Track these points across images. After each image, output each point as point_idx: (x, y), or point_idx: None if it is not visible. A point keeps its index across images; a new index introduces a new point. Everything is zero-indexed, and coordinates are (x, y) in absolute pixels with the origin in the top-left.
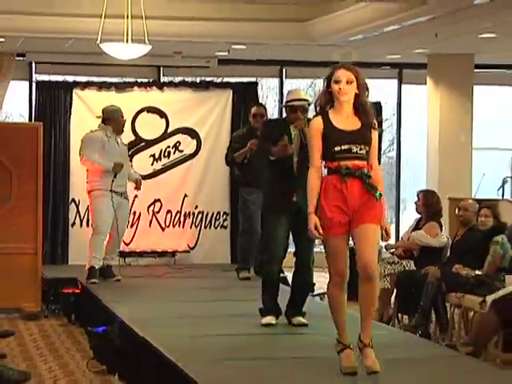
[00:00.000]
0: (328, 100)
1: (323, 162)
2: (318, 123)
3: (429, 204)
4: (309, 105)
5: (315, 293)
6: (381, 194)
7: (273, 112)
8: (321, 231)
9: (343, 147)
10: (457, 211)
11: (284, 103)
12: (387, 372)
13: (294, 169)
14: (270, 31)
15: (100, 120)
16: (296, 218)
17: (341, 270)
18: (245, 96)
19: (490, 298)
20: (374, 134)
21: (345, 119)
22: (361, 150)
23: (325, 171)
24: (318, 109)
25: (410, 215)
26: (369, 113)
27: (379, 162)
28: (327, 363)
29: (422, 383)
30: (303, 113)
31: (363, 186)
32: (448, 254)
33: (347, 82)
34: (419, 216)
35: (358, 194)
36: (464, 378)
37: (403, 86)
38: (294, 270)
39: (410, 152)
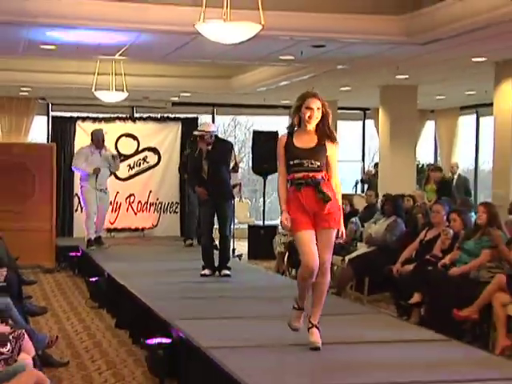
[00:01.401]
0: (297, 122)
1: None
2: (282, 141)
3: None
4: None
5: (236, 254)
6: (330, 198)
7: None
8: (289, 225)
9: (295, 161)
10: None
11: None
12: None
13: (206, 178)
14: (206, 84)
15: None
16: (215, 207)
17: (309, 262)
18: (189, 126)
19: (347, 258)
20: (333, 150)
21: (305, 138)
22: (312, 164)
23: (288, 184)
24: (288, 128)
25: None
26: (327, 134)
27: None
28: (244, 300)
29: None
30: (203, 138)
31: (315, 192)
32: None
33: (317, 109)
34: None
35: (313, 199)
36: (333, 308)
37: None
38: (219, 239)
39: None
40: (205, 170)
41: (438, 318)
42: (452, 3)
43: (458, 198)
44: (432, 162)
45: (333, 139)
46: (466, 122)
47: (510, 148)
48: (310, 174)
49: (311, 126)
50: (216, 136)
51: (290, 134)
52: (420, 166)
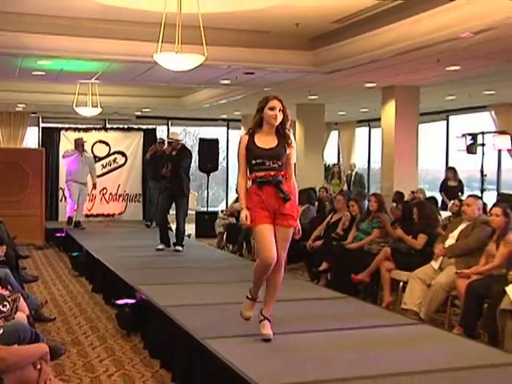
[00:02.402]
0: (259, 122)
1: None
2: (245, 141)
3: None
4: (177, 140)
5: (186, 234)
6: (289, 197)
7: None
8: (249, 222)
9: (258, 161)
10: None
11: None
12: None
13: (168, 174)
14: (162, 102)
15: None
16: (173, 198)
17: (267, 257)
18: (149, 135)
19: None
20: (291, 152)
21: (266, 139)
22: (273, 163)
23: (249, 182)
24: (248, 129)
25: None
26: (287, 135)
27: None
28: (192, 269)
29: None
30: (171, 144)
31: (276, 191)
32: None
33: (279, 110)
34: None
35: (273, 197)
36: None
37: (230, 131)
38: (175, 222)
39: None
40: (168, 171)
41: (340, 281)
42: (349, 43)
43: (355, 190)
44: (336, 162)
45: (291, 141)
46: (361, 132)
47: (393, 152)
48: (272, 173)
49: (273, 127)
50: (183, 145)
51: (251, 134)
52: (327, 165)
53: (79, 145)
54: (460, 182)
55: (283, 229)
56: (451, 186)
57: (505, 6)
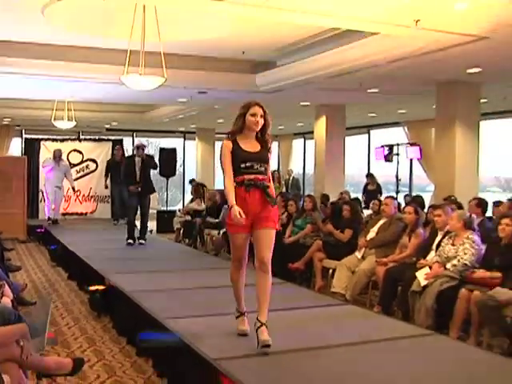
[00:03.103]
0: (241, 127)
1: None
2: (229, 145)
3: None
4: (142, 149)
5: (149, 229)
6: (276, 202)
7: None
8: (244, 216)
9: (247, 164)
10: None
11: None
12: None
13: (138, 177)
14: (128, 117)
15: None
16: (140, 199)
17: (239, 256)
18: (115, 145)
19: (221, 231)
20: (270, 156)
21: (249, 143)
22: (260, 166)
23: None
24: (230, 134)
25: None
26: (268, 140)
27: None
28: (155, 260)
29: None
30: (139, 151)
31: (262, 195)
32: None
33: (260, 116)
34: None
35: (258, 201)
36: (213, 264)
37: (186, 142)
38: (140, 219)
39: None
40: (138, 175)
41: (280, 269)
42: (287, 68)
43: (292, 192)
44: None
45: (270, 147)
46: (298, 143)
47: (324, 160)
48: (260, 177)
49: (254, 133)
50: (147, 154)
51: (234, 139)
52: None
53: (57, 156)
54: (378, 185)
55: (267, 230)
56: (370, 189)
57: (412, 41)
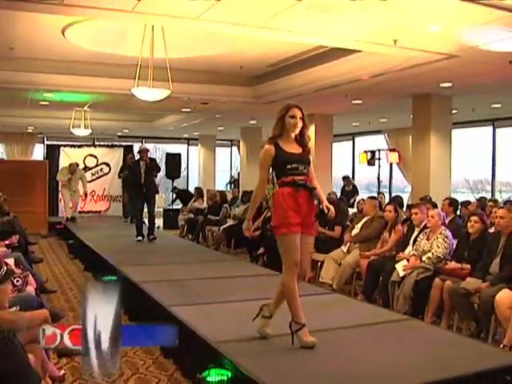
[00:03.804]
0: (281, 130)
1: (276, 179)
2: (271, 150)
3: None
4: (146, 153)
5: (156, 226)
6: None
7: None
8: (251, 233)
9: (293, 165)
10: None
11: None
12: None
13: (142, 180)
14: (138, 125)
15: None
16: (146, 199)
17: (297, 260)
18: (128, 150)
19: (221, 227)
20: (310, 158)
21: (291, 145)
22: (304, 168)
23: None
24: (271, 138)
25: None
26: (307, 142)
27: None
28: (162, 253)
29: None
30: (142, 155)
31: (310, 196)
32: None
33: (299, 118)
34: None
35: (307, 202)
36: (213, 257)
37: (190, 147)
38: (147, 217)
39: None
40: (143, 177)
41: (273, 262)
42: (280, 81)
43: None
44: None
45: (310, 148)
46: None
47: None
48: (305, 179)
49: (294, 135)
50: (150, 157)
51: (276, 143)
52: None
53: (73, 170)
54: (354, 186)
55: (309, 237)
56: (347, 190)
57: (391, 58)
